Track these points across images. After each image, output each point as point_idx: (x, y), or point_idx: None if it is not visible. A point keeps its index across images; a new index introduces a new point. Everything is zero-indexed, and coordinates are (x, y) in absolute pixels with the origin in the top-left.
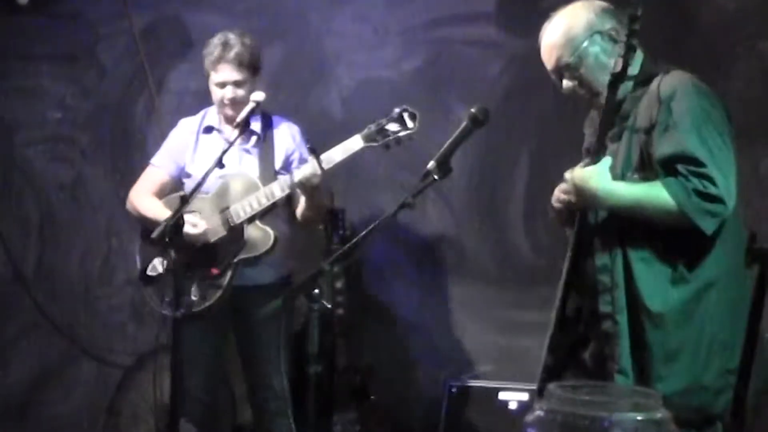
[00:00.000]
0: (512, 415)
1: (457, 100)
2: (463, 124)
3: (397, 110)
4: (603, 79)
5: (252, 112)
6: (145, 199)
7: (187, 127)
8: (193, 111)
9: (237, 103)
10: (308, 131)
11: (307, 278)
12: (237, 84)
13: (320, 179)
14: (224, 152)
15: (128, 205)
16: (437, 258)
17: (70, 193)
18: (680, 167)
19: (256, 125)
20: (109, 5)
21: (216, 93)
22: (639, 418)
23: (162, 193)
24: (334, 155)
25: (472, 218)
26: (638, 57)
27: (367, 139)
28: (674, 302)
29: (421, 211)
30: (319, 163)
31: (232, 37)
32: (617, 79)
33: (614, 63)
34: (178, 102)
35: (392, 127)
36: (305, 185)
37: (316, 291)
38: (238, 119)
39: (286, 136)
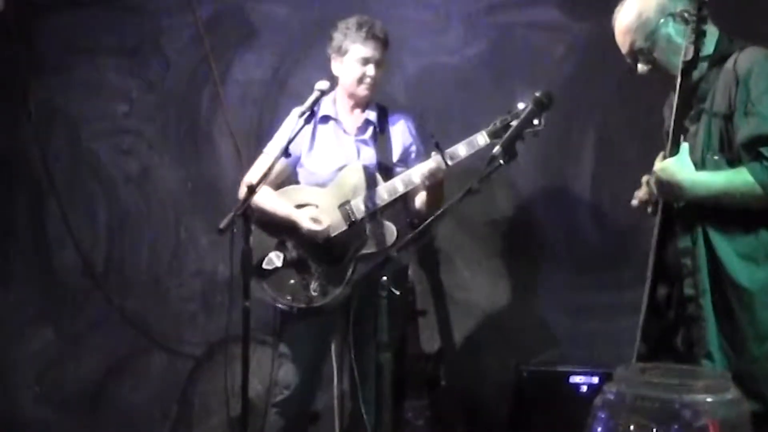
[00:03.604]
0: (583, 398)
1: (520, 84)
2: (528, 108)
3: (521, 106)
4: (677, 61)
5: (317, 101)
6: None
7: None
8: (258, 101)
9: (376, 84)
10: None
11: (375, 265)
12: (378, 63)
13: (444, 174)
14: (290, 141)
15: (241, 194)
16: (505, 242)
17: (138, 186)
18: (764, 150)
19: (372, 115)
20: None
21: (355, 69)
22: (709, 399)
23: (275, 182)
24: (459, 151)
25: (539, 202)
26: (713, 35)
27: (493, 135)
28: (762, 281)
29: (489, 196)
30: (444, 159)
31: (371, 19)
32: (689, 66)
33: (685, 50)
34: (243, 92)
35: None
36: (429, 180)
37: (384, 278)
38: (304, 107)
39: (403, 129)
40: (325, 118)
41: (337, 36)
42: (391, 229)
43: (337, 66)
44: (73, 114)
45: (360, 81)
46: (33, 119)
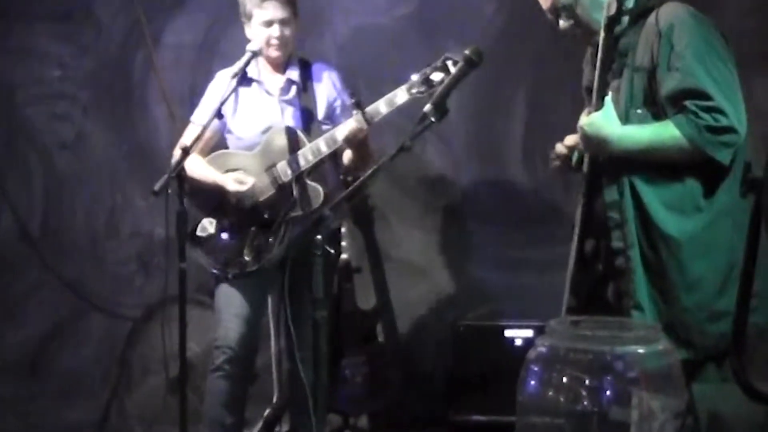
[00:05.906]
0: (519, 352)
1: (451, 42)
2: (458, 65)
3: (441, 59)
4: (599, 17)
5: (248, 63)
6: (189, 157)
7: (224, 79)
8: (191, 64)
9: (285, 44)
10: None
11: (310, 225)
12: (283, 22)
13: (366, 134)
14: (222, 102)
15: (175, 158)
16: (439, 199)
17: (73, 151)
18: (688, 103)
19: (294, 74)
20: None
21: (261, 34)
22: (641, 350)
23: (206, 150)
24: (380, 108)
25: (472, 159)
26: None
27: (411, 90)
28: (690, 232)
29: (421, 153)
30: (365, 118)
31: None
32: (612, 21)
33: (608, 5)
34: (175, 55)
35: (436, 76)
36: (351, 140)
37: (319, 237)
38: (236, 70)
39: (327, 84)
40: (248, 81)
41: (242, 0)
42: (317, 191)
43: (247, 30)
44: (6, 80)
45: (267, 43)
46: None
